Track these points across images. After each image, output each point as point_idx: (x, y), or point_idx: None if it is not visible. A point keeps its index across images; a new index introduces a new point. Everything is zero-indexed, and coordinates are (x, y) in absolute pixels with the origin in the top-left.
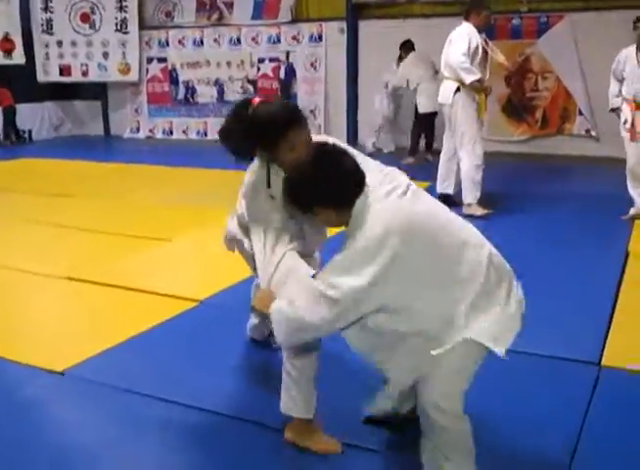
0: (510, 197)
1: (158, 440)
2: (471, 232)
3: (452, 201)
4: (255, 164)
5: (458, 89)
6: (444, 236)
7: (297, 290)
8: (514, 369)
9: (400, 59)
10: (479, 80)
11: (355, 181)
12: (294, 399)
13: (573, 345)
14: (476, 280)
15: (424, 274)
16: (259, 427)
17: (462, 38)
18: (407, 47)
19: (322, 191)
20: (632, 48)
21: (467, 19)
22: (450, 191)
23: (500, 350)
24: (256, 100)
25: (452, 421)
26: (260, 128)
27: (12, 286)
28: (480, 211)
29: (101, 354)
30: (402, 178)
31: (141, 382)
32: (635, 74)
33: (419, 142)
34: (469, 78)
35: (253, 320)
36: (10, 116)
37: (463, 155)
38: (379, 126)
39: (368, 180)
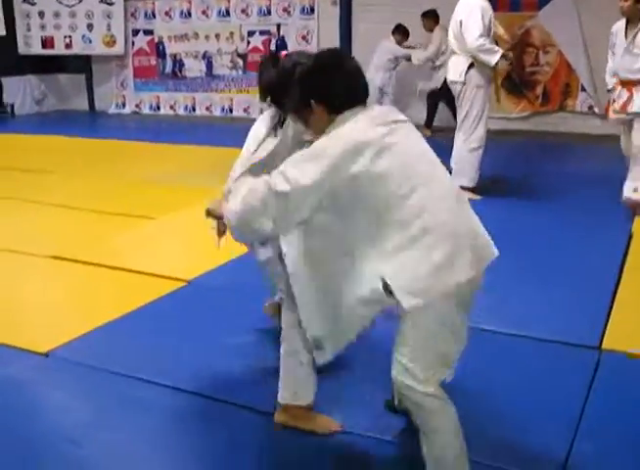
0: (509, 176)
1: (142, 422)
2: (436, 187)
3: None
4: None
5: (471, 65)
6: (397, 177)
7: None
8: (511, 353)
9: (398, 32)
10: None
11: (356, 90)
12: (300, 388)
13: (573, 328)
14: (410, 227)
15: (361, 198)
16: (248, 410)
17: (474, 16)
18: (433, 19)
19: (324, 83)
20: (623, 22)
21: None
22: None
23: (409, 303)
24: (284, 53)
25: (422, 398)
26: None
27: None
28: (468, 196)
29: (86, 335)
30: (398, 117)
31: (127, 364)
32: (621, 48)
33: (435, 114)
34: (493, 59)
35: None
36: None
37: (460, 134)
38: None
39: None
